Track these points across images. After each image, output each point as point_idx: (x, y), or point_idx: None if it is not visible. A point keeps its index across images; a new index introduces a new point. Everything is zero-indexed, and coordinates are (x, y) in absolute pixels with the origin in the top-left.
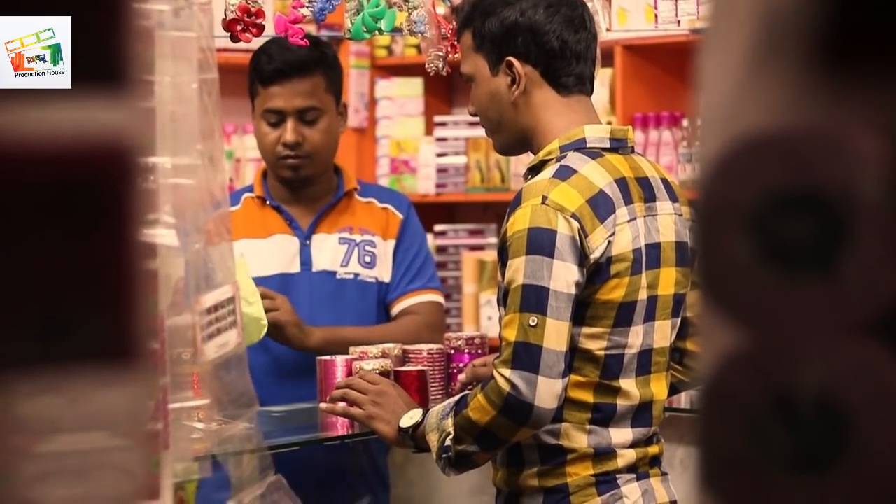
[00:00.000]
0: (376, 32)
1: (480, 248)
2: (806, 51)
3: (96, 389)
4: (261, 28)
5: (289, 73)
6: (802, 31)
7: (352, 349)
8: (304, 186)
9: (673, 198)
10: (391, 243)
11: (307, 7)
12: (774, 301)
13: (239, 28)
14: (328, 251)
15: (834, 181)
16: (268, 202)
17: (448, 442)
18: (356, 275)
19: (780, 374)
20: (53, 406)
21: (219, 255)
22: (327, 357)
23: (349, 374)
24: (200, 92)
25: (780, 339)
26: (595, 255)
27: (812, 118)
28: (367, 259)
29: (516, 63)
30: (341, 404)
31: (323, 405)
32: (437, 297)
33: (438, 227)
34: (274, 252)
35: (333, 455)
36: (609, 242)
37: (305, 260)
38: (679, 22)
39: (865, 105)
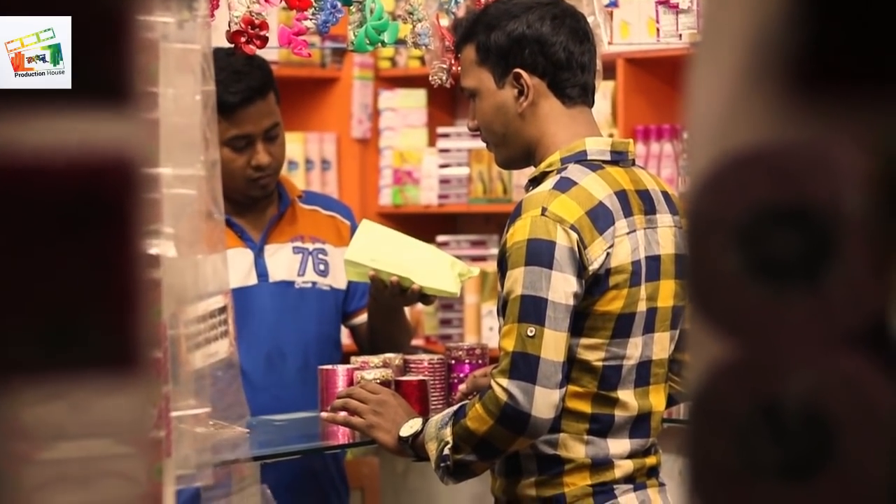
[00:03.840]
0: (379, 45)
1: (482, 258)
2: (792, 71)
3: (100, 397)
4: (264, 40)
5: (253, 98)
6: (789, 52)
7: (353, 359)
8: (256, 200)
9: (673, 210)
10: (343, 251)
11: (311, 19)
12: (761, 313)
13: (243, 40)
14: (283, 261)
15: (820, 196)
16: None
17: (446, 451)
18: (314, 283)
19: (766, 384)
20: (57, 413)
21: (212, 265)
22: (328, 366)
23: (350, 383)
24: (203, 104)
25: (767, 351)
26: (594, 266)
27: (798, 135)
28: (322, 267)
29: (524, 74)
30: (342, 413)
31: (324, 414)
32: None
33: (441, 238)
34: (230, 266)
35: (306, 461)
36: (608, 254)
37: (262, 271)
38: (680, 35)
39: (849, 123)
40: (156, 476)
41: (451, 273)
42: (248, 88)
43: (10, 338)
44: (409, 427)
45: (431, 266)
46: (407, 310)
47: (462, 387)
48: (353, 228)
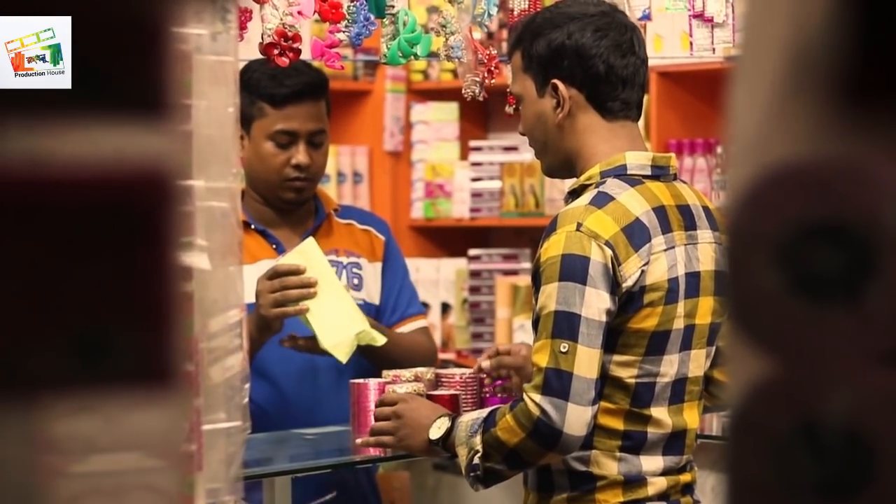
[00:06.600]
0: (412, 57)
1: (514, 272)
2: (833, 85)
3: (132, 410)
4: (297, 52)
5: (305, 95)
6: (830, 67)
7: (384, 372)
8: (293, 210)
9: (714, 226)
10: (378, 266)
11: (344, 32)
12: (802, 330)
13: (276, 52)
14: None
15: (861, 212)
16: (252, 226)
17: (476, 460)
18: None
19: (806, 402)
20: (89, 426)
21: (229, 278)
22: (360, 381)
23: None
24: (235, 116)
25: (807, 368)
26: (627, 283)
27: (839, 150)
28: (356, 281)
29: (561, 86)
30: (373, 439)
31: (359, 441)
32: (426, 321)
33: (472, 252)
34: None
35: (338, 475)
36: (643, 272)
37: None
38: (714, 49)
39: (890, 138)
40: (187, 490)
41: (347, 334)
42: (303, 83)
43: (43, 350)
44: (437, 429)
45: (337, 318)
46: (438, 326)
47: (484, 363)
48: (388, 243)
